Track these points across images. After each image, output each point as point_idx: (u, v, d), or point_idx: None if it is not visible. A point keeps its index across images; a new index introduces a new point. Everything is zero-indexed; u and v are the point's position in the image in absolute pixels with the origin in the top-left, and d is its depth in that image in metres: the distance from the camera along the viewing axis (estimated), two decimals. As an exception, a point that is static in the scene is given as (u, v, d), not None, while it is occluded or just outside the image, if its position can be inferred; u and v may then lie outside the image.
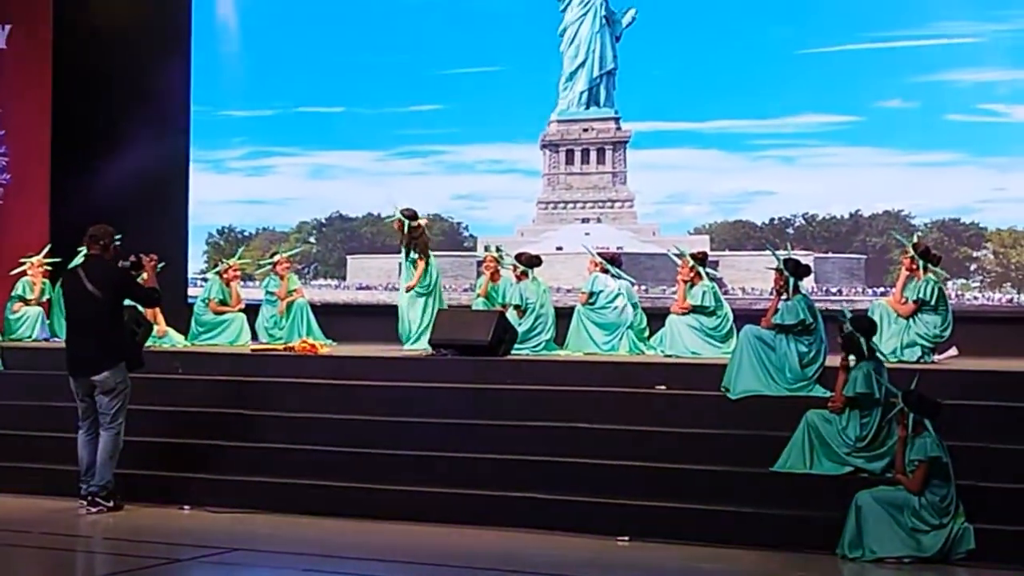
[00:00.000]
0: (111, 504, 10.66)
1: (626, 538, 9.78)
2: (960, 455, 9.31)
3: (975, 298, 13.76)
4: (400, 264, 13.96)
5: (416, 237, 13.70)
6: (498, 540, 9.84)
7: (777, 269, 11.38)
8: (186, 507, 10.99)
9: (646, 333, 13.41)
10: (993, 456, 9.66)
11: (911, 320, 12.04)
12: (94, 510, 10.62)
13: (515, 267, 13.71)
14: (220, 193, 17.20)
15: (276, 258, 15.17)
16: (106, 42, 16.97)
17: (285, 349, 13.66)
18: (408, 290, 13.71)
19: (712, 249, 14.66)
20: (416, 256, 13.70)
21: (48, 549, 9.75)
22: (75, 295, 11.00)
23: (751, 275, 14.36)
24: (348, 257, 16.75)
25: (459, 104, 16.09)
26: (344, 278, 16.71)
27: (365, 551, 9.45)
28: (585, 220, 15.68)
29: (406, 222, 13.60)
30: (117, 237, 11.33)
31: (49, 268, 14.94)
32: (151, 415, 11.69)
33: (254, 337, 14.65)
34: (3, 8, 17.00)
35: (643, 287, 14.24)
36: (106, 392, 10.65)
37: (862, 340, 10.08)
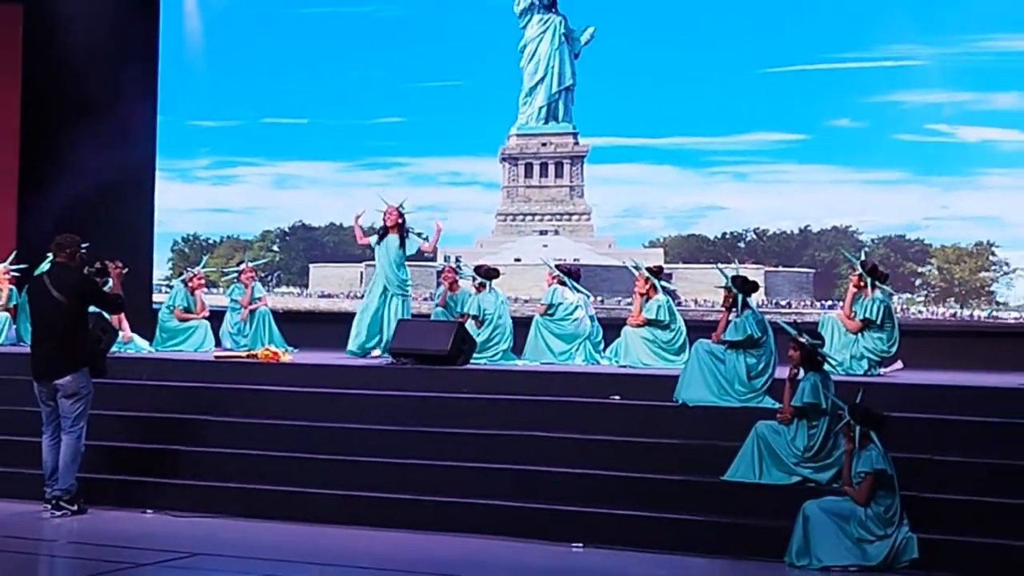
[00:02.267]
0: (75, 508, 10.58)
1: (580, 545, 9.78)
2: (905, 466, 9.37)
3: (920, 312, 13.87)
4: (362, 273, 13.95)
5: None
6: (455, 545, 9.81)
7: (725, 287, 11.45)
8: (149, 511, 10.92)
9: (601, 344, 13.45)
10: (937, 468, 9.72)
11: (859, 335, 12.13)
12: (58, 513, 10.56)
13: (474, 278, 13.74)
14: (186, 201, 17.17)
15: (242, 267, 15.17)
16: (73, 53, 16.87)
17: (248, 356, 13.62)
18: None
19: (666, 262, 14.71)
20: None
21: (12, 552, 9.69)
22: (41, 301, 10.95)
23: (704, 287, 14.42)
24: (311, 265, 16.74)
25: (421, 117, 16.11)
26: (307, 286, 16.71)
27: (325, 556, 9.42)
28: (543, 232, 15.72)
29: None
30: (83, 245, 11.30)
31: (16, 275, 14.85)
32: (115, 420, 11.67)
33: (218, 344, 14.63)
34: (-30, 16, 17.00)
35: (599, 298, 14.29)
36: (68, 396, 10.59)
37: (817, 350, 10.20)
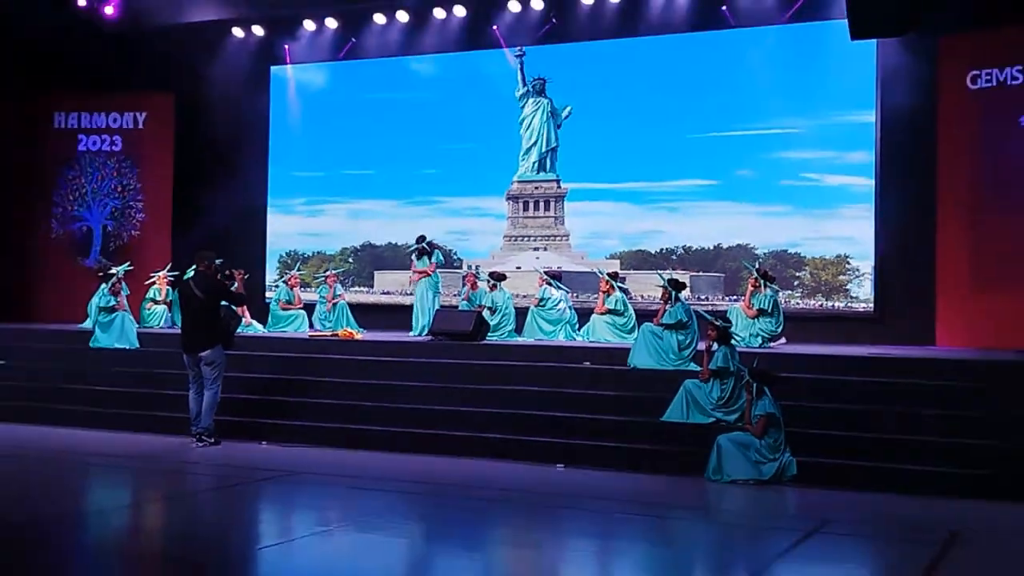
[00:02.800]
0: (212, 440, 10.66)
1: (562, 465, 9.85)
2: (788, 411, 9.40)
3: (797, 304, 13.86)
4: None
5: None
6: (474, 465, 9.86)
7: (663, 286, 11.49)
8: (263, 443, 10.99)
9: (577, 326, 13.48)
10: (810, 411, 9.74)
11: (755, 320, 12.17)
12: (200, 445, 10.62)
13: (488, 281, 13.79)
14: (287, 228, 17.16)
15: (328, 273, 15.24)
16: (210, 126, 16.96)
17: (332, 335, 13.66)
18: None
19: (621, 269, 14.73)
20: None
21: (170, 472, 9.78)
22: (187, 298, 11.00)
23: (647, 287, 14.40)
24: (375, 272, 16.73)
25: (451, 169, 16.11)
26: (372, 286, 16.68)
27: (381, 473, 9.49)
28: (536, 249, 15.71)
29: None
30: (217, 259, 11.37)
31: (171, 279, 14.92)
32: (240, 379, 11.67)
33: (311, 327, 14.64)
34: (141, 102, 17.00)
35: (575, 294, 14.29)
36: (208, 364, 10.66)
37: (726, 330, 10.25)
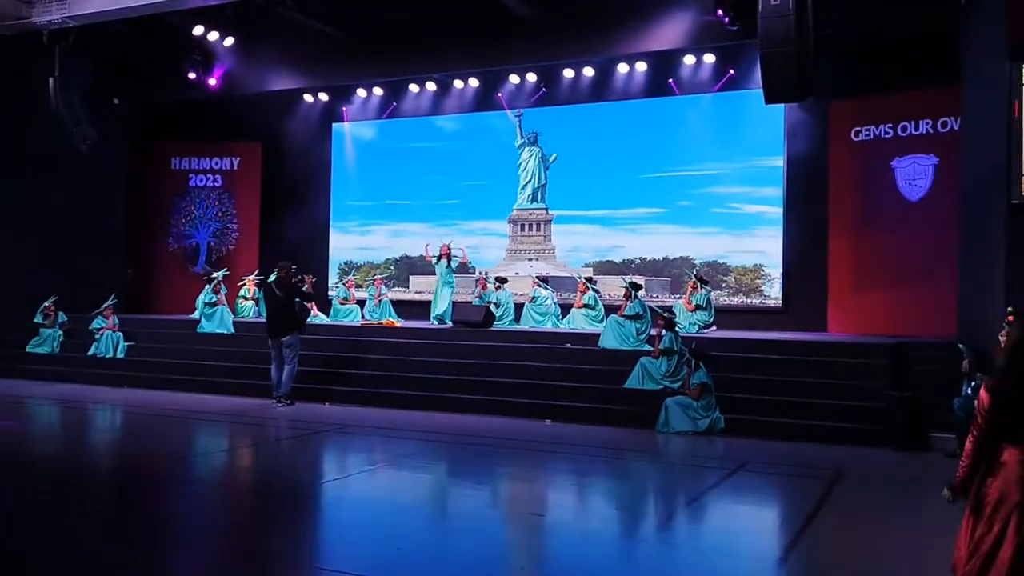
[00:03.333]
0: (288, 402, 10.66)
1: (549, 421, 9.86)
2: (718, 379, 9.42)
3: (725, 300, 13.83)
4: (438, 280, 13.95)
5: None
6: (483, 420, 9.88)
7: (624, 287, 11.49)
8: (326, 404, 11.00)
9: (560, 318, 13.47)
10: (734, 380, 9.75)
11: (694, 313, 12.17)
12: (279, 405, 10.62)
13: (495, 283, 13.76)
14: (345, 244, 17.05)
15: (375, 277, 15.20)
16: (289, 166, 16.96)
17: (379, 324, 13.65)
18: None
19: (594, 274, 14.68)
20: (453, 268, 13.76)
21: (255, 425, 9.79)
22: (270, 296, 11.01)
23: (613, 288, 14.35)
24: (411, 277, 16.69)
25: (468, 200, 16.04)
26: (408, 287, 16.63)
27: (416, 426, 9.47)
28: (530, 260, 15.64)
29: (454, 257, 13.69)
30: (293, 267, 11.36)
31: (257, 282, 14.90)
32: (309, 357, 11.66)
33: (363, 317, 14.61)
34: (236, 150, 16.98)
35: (559, 294, 14.26)
36: (287, 347, 10.66)
37: (672, 320, 10.26)
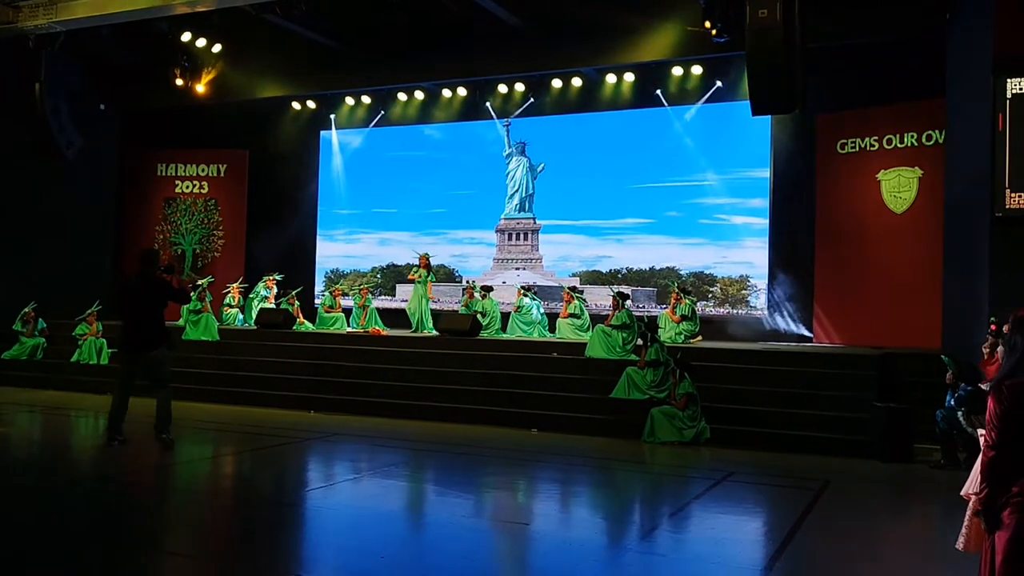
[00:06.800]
0: (168, 438, 8.10)
1: (535, 429, 9.83)
2: (703, 390, 9.42)
3: (711, 311, 13.86)
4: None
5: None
6: (467, 430, 9.83)
7: (613, 297, 11.49)
8: (312, 411, 10.92)
9: (547, 327, 13.46)
10: (720, 391, 9.77)
11: (679, 323, 12.18)
12: (120, 444, 8.04)
13: (482, 292, 13.73)
14: (331, 252, 17.03)
15: (362, 286, 15.11)
16: (277, 174, 16.90)
17: (364, 332, 13.59)
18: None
19: (580, 284, 14.70)
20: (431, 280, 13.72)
21: (240, 433, 9.67)
22: (126, 296, 8.80)
23: (600, 298, 14.35)
24: (397, 285, 16.65)
25: (455, 209, 16.06)
26: (394, 295, 16.59)
27: (400, 434, 9.42)
28: (517, 269, 15.65)
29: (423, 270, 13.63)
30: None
31: (241, 290, 14.82)
32: (294, 364, 11.58)
33: (349, 325, 14.55)
34: (222, 157, 16.91)
35: (546, 303, 14.25)
36: (157, 364, 8.15)
37: (658, 333, 10.25)
